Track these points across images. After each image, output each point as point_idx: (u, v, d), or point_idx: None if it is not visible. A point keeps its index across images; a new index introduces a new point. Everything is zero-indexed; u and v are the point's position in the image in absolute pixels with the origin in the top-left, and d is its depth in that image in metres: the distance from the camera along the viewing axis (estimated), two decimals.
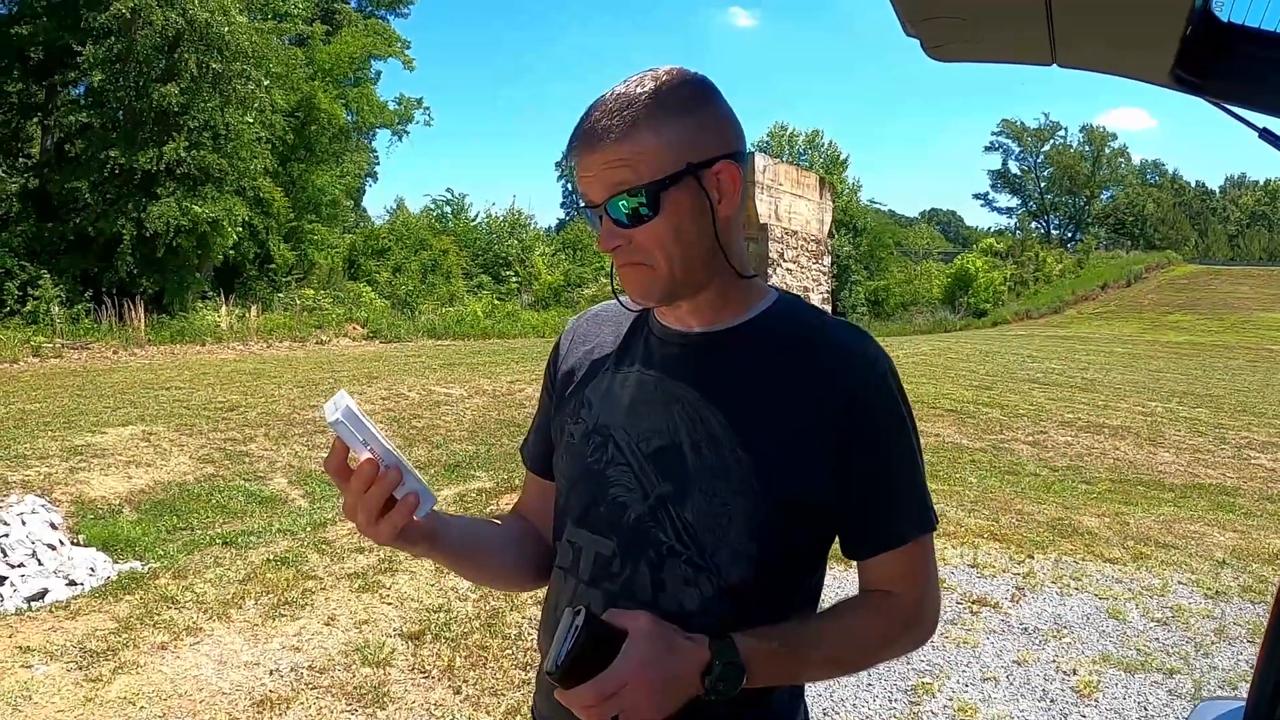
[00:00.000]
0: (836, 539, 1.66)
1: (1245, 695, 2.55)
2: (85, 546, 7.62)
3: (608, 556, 1.63)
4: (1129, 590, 7.08)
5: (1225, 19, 1.62)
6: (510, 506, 2.02)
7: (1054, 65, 1.73)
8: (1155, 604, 6.84)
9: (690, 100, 1.53)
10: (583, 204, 1.55)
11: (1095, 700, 5.28)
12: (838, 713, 5.05)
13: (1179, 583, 7.34)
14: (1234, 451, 14.44)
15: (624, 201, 1.50)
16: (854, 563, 1.67)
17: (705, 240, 1.54)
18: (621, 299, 1.78)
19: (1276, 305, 50.47)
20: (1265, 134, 1.71)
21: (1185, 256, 74.85)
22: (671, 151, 1.49)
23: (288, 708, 4.89)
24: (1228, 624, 6.46)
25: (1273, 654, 2.45)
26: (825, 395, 1.56)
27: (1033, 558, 7.71)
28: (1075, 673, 5.58)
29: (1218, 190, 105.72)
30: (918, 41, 1.66)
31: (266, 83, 29.72)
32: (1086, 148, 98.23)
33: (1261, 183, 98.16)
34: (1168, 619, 6.56)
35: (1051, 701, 5.23)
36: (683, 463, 1.58)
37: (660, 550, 1.58)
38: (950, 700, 5.20)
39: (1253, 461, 13.70)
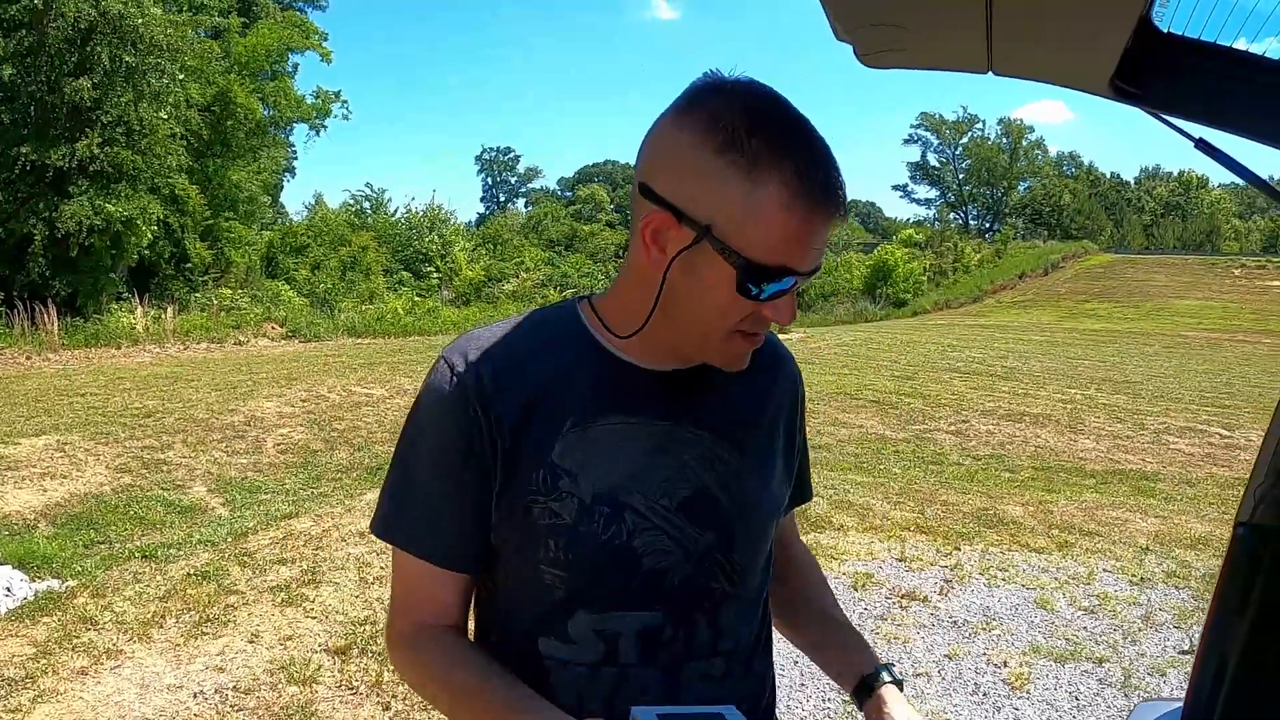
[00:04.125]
0: None
1: (1182, 695, 2.57)
2: (0, 564, 7.42)
3: (656, 628, 1.49)
4: (1055, 580, 7.17)
5: (1165, 29, 1.61)
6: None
7: (990, 74, 1.71)
8: (1082, 593, 6.93)
9: None
10: (793, 270, 1.30)
11: (1027, 692, 5.32)
12: None
13: (1104, 570, 7.45)
14: (1153, 437, 14.71)
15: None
16: None
17: None
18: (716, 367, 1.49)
19: (1190, 292, 51.67)
20: (1201, 144, 1.69)
21: (1101, 246, 76.23)
22: None
23: None
24: (1154, 610, 6.56)
25: (1209, 653, 2.46)
26: (792, 402, 1.68)
27: (959, 549, 7.78)
28: (1006, 665, 5.62)
29: (1133, 181, 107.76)
30: (850, 48, 1.62)
31: (181, 76, 29.13)
32: (1004, 140, 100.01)
33: (1175, 174, 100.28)
34: (1095, 607, 6.65)
35: (984, 695, 5.27)
36: (717, 507, 1.52)
37: (714, 598, 1.54)
38: None
39: (1171, 446, 13.95)
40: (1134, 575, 7.34)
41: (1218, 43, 1.63)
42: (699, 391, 1.52)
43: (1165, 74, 1.71)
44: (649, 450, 1.48)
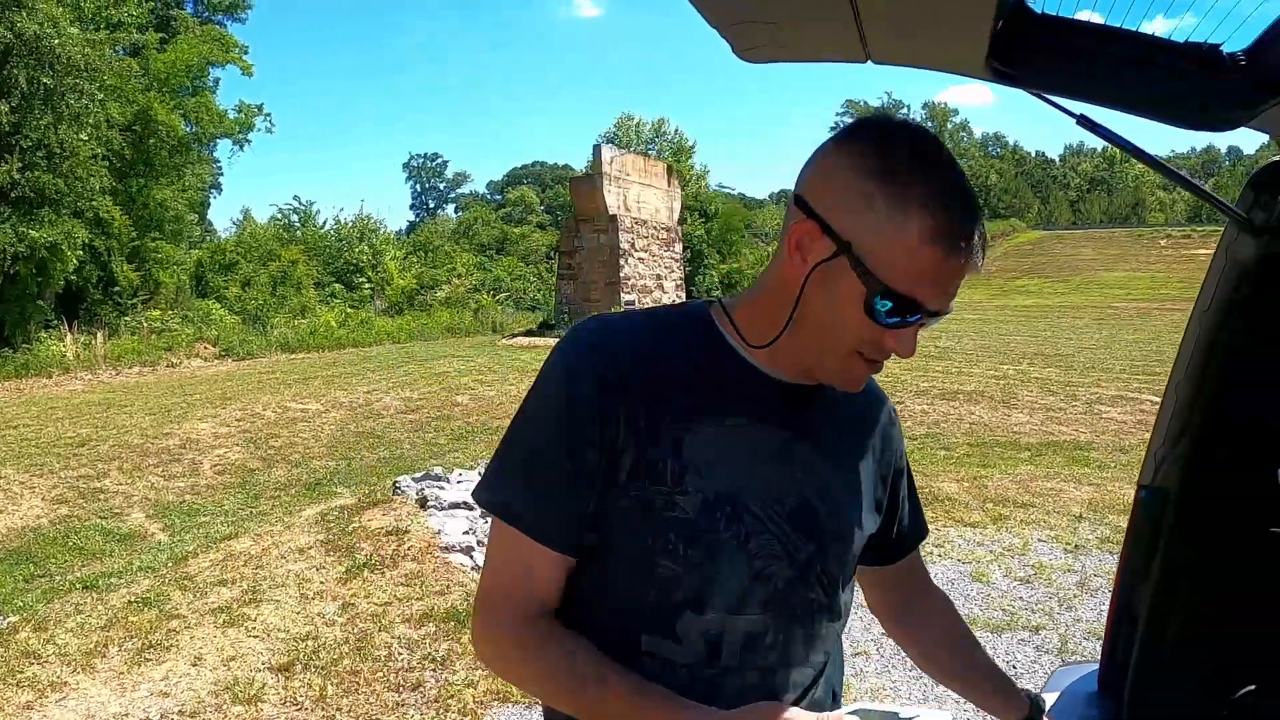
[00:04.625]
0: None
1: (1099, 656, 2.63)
2: None
3: (759, 633, 1.51)
4: (991, 552, 7.28)
5: (1040, 10, 1.65)
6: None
7: (869, 62, 1.74)
8: (1017, 563, 7.04)
9: None
10: (925, 309, 1.35)
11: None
12: None
13: (1039, 540, 7.58)
14: (1085, 407, 14.95)
15: None
16: None
17: None
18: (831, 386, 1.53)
19: (1118, 264, 52.51)
20: (1083, 120, 1.74)
21: (1029, 223, 77.26)
22: None
23: None
24: (1088, 576, 6.68)
25: (1119, 615, 2.52)
26: (894, 443, 1.75)
27: None
28: None
29: (1058, 159, 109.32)
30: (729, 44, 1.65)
31: (101, 96, 28.63)
32: (929, 124, 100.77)
33: (1100, 150, 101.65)
34: (1030, 577, 6.76)
35: (922, 671, 5.33)
36: (816, 518, 1.55)
37: (810, 608, 1.57)
38: None
39: (1104, 416, 14.18)
40: (1068, 543, 7.48)
41: (1088, 20, 1.67)
42: (815, 407, 1.56)
43: (1040, 54, 1.76)
44: (767, 457, 1.51)
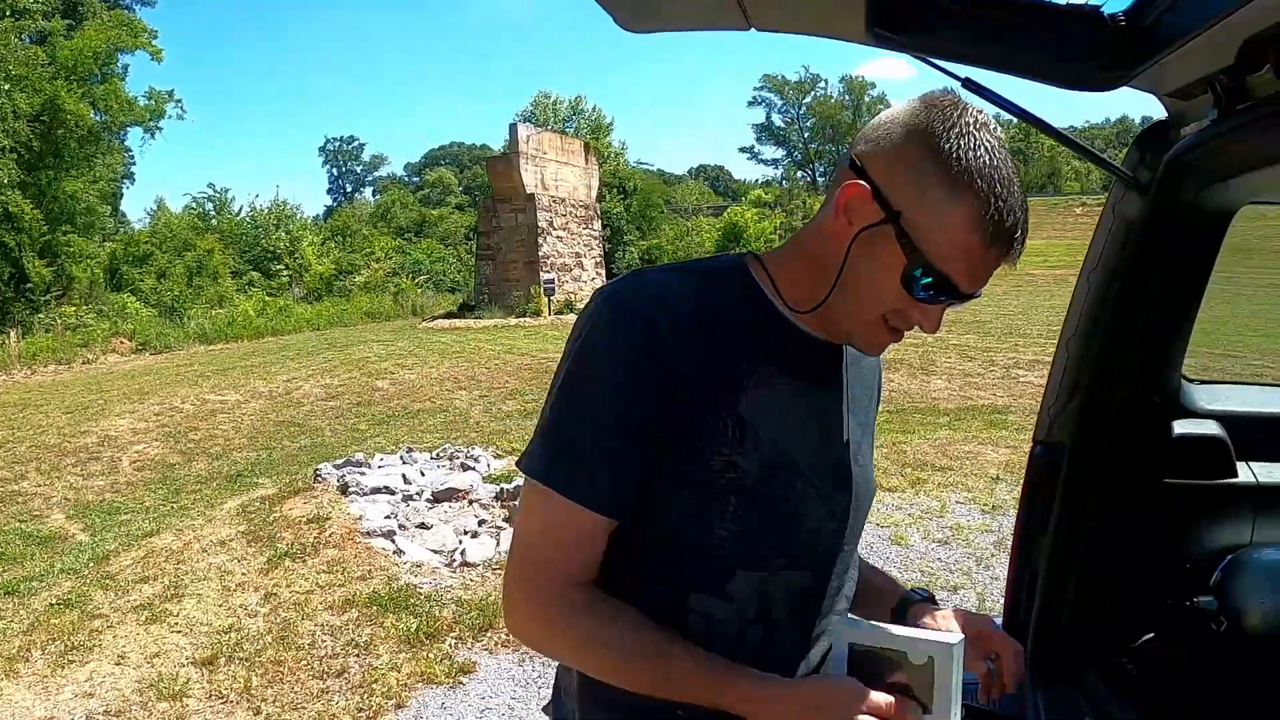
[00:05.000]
0: None
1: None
2: None
3: (807, 589, 1.54)
4: (909, 515, 7.37)
5: None
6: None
7: (751, 29, 1.75)
8: (935, 526, 7.14)
9: None
10: (958, 290, 1.37)
11: None
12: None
13: (956, 502, 7.70)
14: (1003, 372, 15.17)
15: None
16: None
17: None
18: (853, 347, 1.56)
19: (1035, 233, 52.08)
20: (968, 83, 1.76)
21: None
22: None
23: None
24: (1006, 536, 6.76)
25: (1020, 568, 2.57)
26: (878, 382, 1.79)
27: None
28: None
29: None
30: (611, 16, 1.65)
31: (6, 86, 28.03)
32: (847, 98, 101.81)
33: (1016, 121, 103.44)
34: (948, 538, 6.86)
35: None
36: (849, 474, 1.59)
37: (846, 562, 1.62)
38: None
39: (1021, 380, 14.41)
40: (985, 504, 7.60)
41: None
42: (839, 364, 1.60)
43: (921, 18, 1.78)
44: (813, 417, 1.54)
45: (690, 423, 1.40)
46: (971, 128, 1.34)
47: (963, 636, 1.43)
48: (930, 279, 1.35)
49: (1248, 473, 2.60)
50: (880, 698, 1.35)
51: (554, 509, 1.42)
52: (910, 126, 1.37)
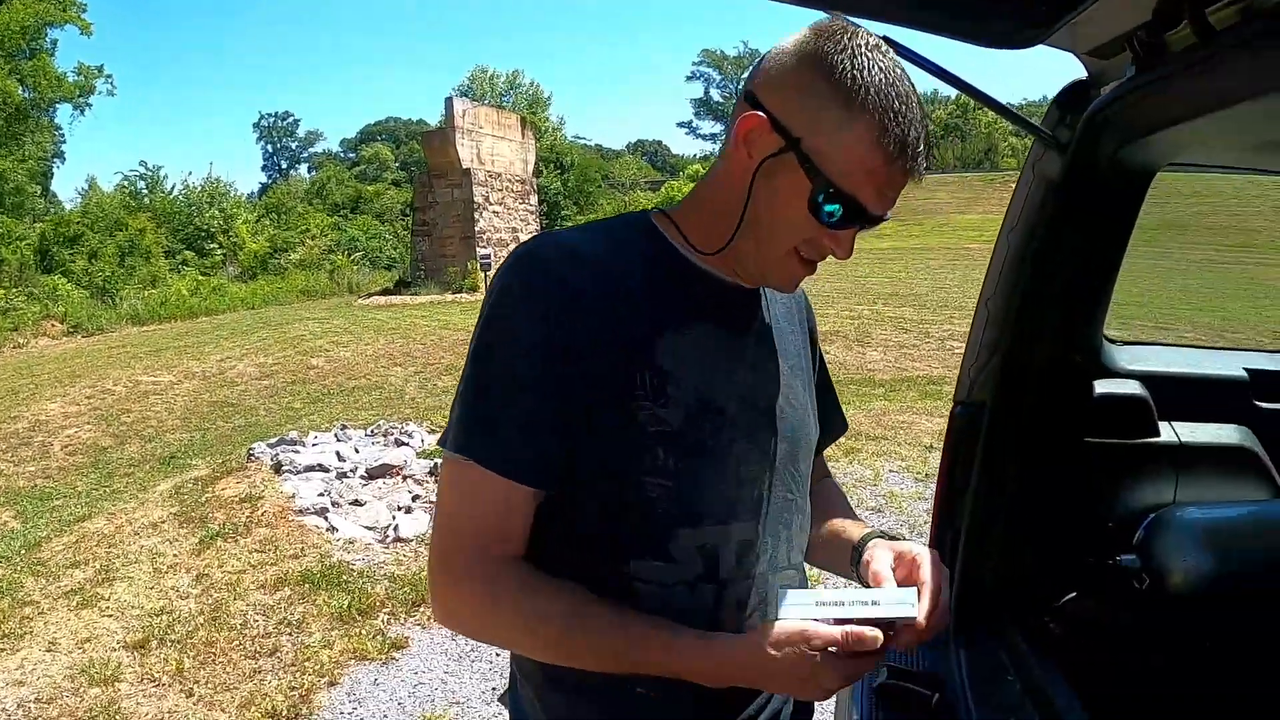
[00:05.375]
0: None
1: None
2: None
3: (751, 541, 1.49)
4: (843, 484, 7.36)
5: None
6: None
7: None
8: (869, 493, 7.20)
9: None
10: (867, 212, 1.35)
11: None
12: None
13: (890, 471, 7.77)
14: (938, 344, 15.30)
15: None
16: None
17: None
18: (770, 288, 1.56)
19: (972, 208, 53.75)
20: (887, 41, 1.73)
21: None
22: None
23: None
24: None
25: (942, 527, 2.58)
26: (811, 332, 1.76)
27: None
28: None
29: None
30: None
31: None
32: None
33: (953, 98, 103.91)
34: (881, 506, 6.92)
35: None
36: (784, 418, 1.56)
37: (790, 509, 1.58)
38: None
39: (955, 351, 14.43)
40: (919, 473, 7.67)
41: None
42: (759, 306, 1.58)
43: None
44: (735, 360, 1.50)
45: (608, 380, 1.37)
46: (863, 49, 1.32)
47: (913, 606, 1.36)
48: (837, 203, 1.32)
49: (1170, 432, 2.62)
50: (832, 631, 1.32)
51: (472, 481, 1.38)
52: (802, 53, 1.34)
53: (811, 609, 1.35)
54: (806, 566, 1.69)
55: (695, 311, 1.46)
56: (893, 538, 1.58)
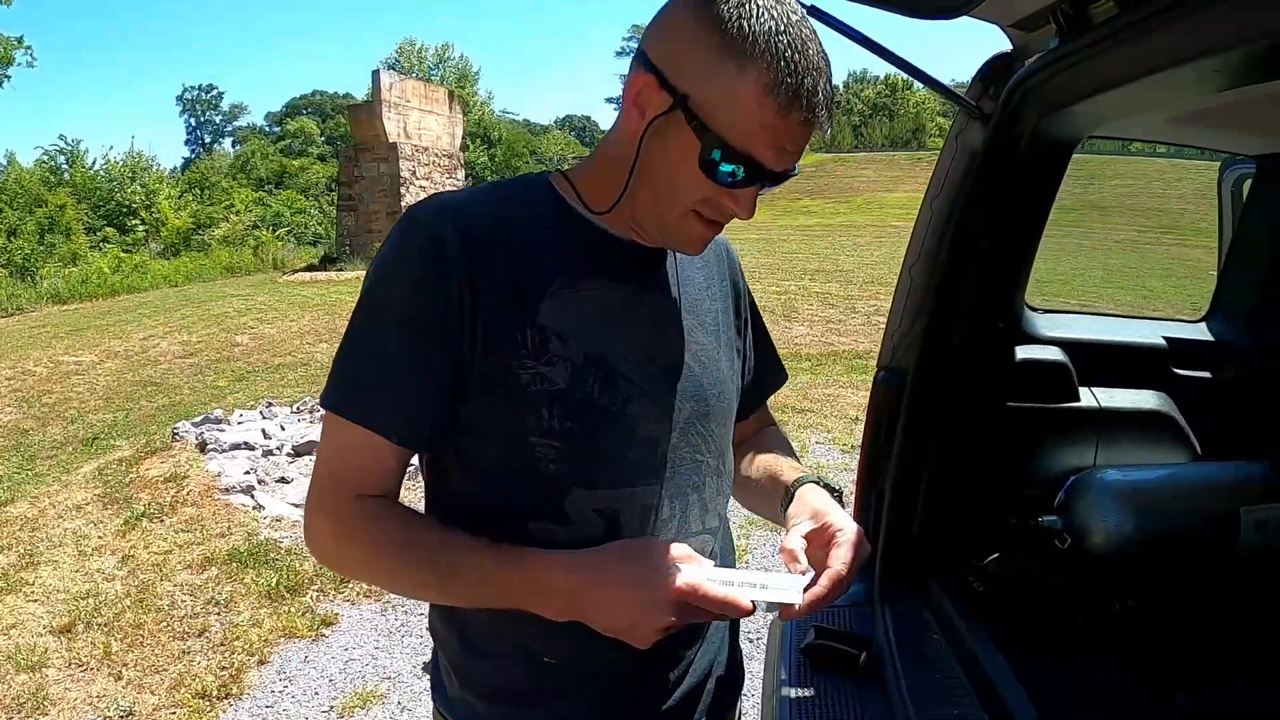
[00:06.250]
0: None
1: None
2: None
3: (654, 504, 1.46)
4: None
5: None
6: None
7: None
8: None
9: None
10: (765, 169, 1.30)
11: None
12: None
13: (816, 443, 7.85)
14: (864, 319, 15.44)
15: None
16: None
17: None
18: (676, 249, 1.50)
19: (899, 186, 54.23)
20: (813, 11, 1.75)
21: (812, 147, 78.31)
22: None
23: None
24: None
25: (866, 491, 2.62)
26: (734, 281, 1.71)
27: None
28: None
29: (842, 85, 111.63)
30: None
31: None
32: None
33: (882, 77, 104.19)
34: None
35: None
36: (693, 378, 1.52)
37: (700, 471, 1.53)
38: None
39: (881, 327, 14.48)
40: (845, 444, 7.76)
41: None
42: (667, 266, 1.54)
43: None
44: (631, 318, 1.46)
45: (489, 338, 1.36)
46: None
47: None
48: (731, 161, 1.28)
49: (1090, 397, 2.68)
50: (714, 591, 1.31)
51: (344, 435, 1.40)
52: (688, 6, 1.31)
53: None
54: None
55: (586, 268, 1.44)
56: (828, 486, 1.58)
